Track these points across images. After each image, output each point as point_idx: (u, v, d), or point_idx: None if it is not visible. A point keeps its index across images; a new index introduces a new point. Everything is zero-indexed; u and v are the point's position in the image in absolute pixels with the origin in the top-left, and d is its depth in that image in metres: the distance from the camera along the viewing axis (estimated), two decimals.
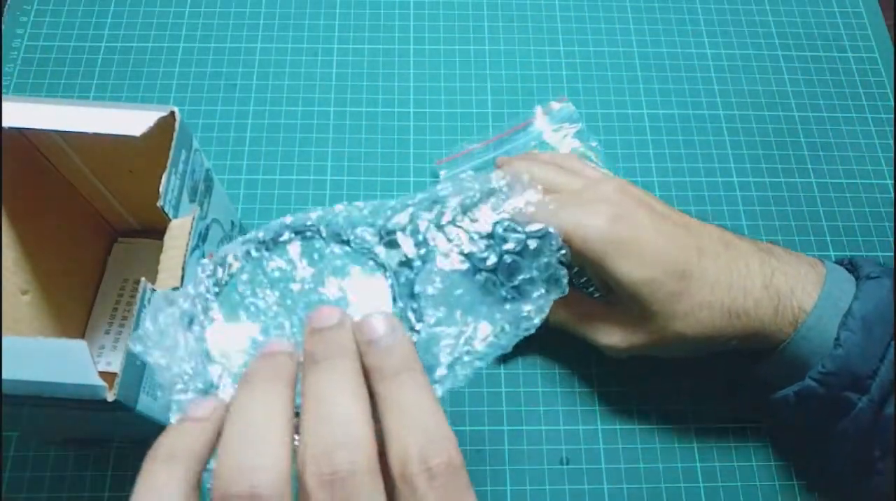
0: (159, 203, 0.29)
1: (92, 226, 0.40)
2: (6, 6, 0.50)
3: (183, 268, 0.29)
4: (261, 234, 0.28)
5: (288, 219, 0.28)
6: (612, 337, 0.36)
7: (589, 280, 0.39)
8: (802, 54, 0.52)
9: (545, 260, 0.30)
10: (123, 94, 0.47)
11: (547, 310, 0.29)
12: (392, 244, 0.28)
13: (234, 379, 0.25)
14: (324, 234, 0.28)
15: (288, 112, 0.47)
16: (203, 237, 0.33)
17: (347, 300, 0.27)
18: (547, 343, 0.41)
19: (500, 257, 0.29)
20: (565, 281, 0.30)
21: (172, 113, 0.30)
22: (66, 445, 0.37)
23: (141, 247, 0.41)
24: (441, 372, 0.26)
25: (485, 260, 0.29)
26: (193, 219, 0.30)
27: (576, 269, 0.39)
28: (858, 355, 0.30)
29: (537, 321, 0.29)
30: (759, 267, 0.33)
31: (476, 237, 0.29)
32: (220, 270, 0.27)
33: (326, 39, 0.50)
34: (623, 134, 0.48)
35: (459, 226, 0.30)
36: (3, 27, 0.49)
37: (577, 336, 0.38)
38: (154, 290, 0.28)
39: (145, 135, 0.29)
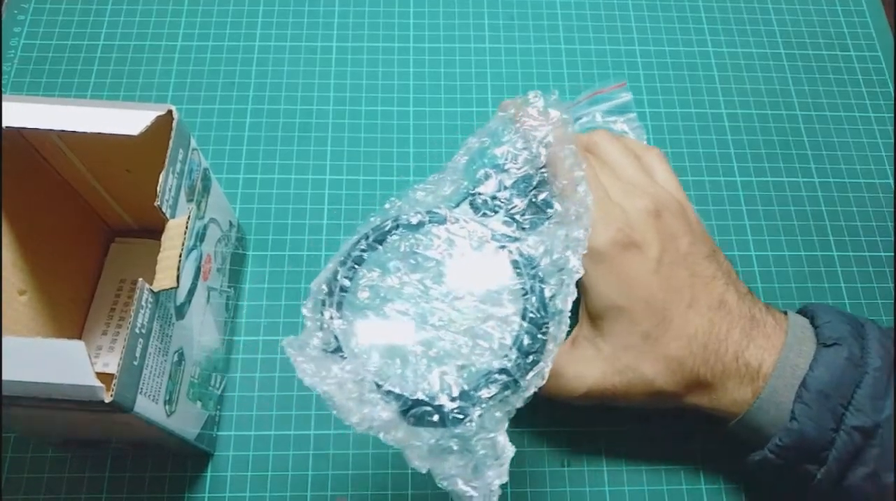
0: (157, 202, 0.29)
1: (89, 226, 0.40)
2: (4, 5, 0.50)
3: (179, 268, 0.29)
4: (353, 244, 0.29)
5: (376, 219, 0.30)
6: (578, 375, 0.33)
7: None
8: (805, 52, 0.51)
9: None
10: (121, 93, 0.47)
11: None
12: (486, 214, 0.30)
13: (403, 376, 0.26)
14: (425, 219, 0.29)
15: (286, 110, 0.47)
16: (200, 237, 0.33)
17: (471, 276, 0.28)
18: None
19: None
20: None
21: (170, 111, 0.30)
22: (63, 446, 0.37)
23: (138, 247, 0.41)
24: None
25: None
26: (189, 218, 0.30)
27: None
28: (813, 428, 0.30)
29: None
30: (738, 338, 0.32)
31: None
32: (333, 290, 0.28)
33: (325, 37, 0.50)
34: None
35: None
36: (1, 25, 0.49)
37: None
38: (152, 291, 0.28)
39: (143, 134, 0.29)
